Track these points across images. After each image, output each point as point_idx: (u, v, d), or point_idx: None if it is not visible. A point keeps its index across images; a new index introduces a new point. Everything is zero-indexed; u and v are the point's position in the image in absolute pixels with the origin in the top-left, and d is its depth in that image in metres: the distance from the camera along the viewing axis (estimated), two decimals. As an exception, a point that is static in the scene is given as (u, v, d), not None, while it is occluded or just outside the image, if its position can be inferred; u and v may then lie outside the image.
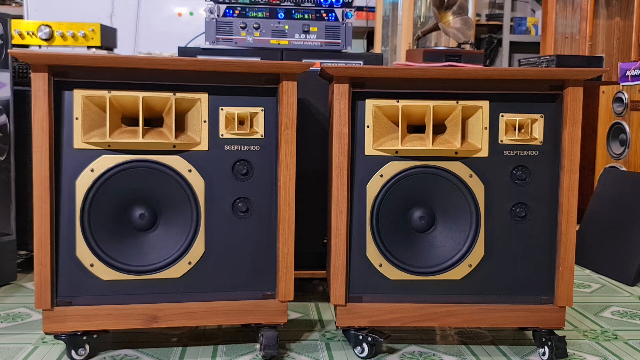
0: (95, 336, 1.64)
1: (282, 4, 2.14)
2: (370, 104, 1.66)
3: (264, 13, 2.13)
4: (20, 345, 1.72)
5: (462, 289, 1.69)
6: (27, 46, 2.76)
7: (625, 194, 2.66)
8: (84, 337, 1.62)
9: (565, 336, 1.69)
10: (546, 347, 1.68)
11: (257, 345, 1.74)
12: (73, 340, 1.61)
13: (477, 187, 1.68)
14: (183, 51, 2.11)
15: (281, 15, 2.13)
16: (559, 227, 1.68)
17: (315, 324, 1.93)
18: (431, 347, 1.76)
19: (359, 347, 1.69)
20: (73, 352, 1.61)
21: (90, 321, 1.59)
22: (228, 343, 1.76)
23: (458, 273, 1.68)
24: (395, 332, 1.82)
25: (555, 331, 1.71)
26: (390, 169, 1.67)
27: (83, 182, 1.58)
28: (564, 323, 1.70)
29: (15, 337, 1.79)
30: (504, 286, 1.70)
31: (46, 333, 1.60)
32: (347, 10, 2.16)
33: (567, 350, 1.69)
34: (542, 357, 1.70)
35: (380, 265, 1.68)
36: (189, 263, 1.63)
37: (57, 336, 1.61)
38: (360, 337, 1.68)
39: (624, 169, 2.83)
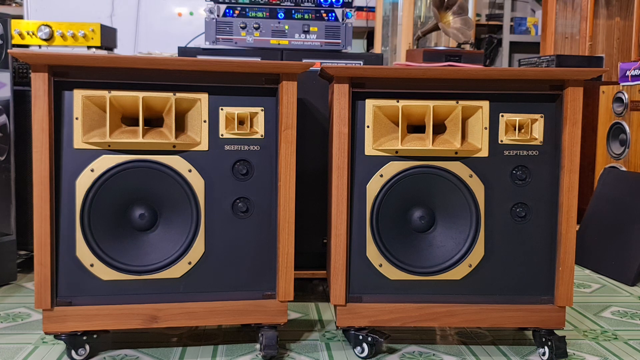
0: (95, 336, 1.64)
1: (282, 4, 2.14)
2: (370, 104, 1.66)
3: (264, 13, 2.13)
4: (20, 345, 1.72)
5: (462, 289, 1.69)
6: (27, 46, 2.76)
7: (625, 194, 2.66)
8: (84, 337, 1.62)
9: (565, 336, 1.69)
10: (546, 347, 1.68)
11: (257, 345, 1.74)
12: (73, 340, 1.61)
13: (477, 187, 1.68)
14: (183, 51, 2.11)
15: (281, 15, 2.13)
16: (559, 227, 1.68)
17: (315, 324, 1.93)
18: (431, 347, 1.76)
19: (359, 347, 1.69)
20: (73, 352, 1.61)
21: (90, 321, 1.59)
22: (228, 343, 1.76)
23: (458, 273, 1.68)
24: (395, 332, 1.82)
25: (555, 331, 1.71)
26: (390, 169, 1.67)
27: (83, 182, 1.58)
28: (564, 323, 1.70)
29: (15, 337, 1.79)
30: (504, 286, 1.70)
31: (46, 333, 1.60)
32: (347, 10, 2.16)
33: (567, 350, 1.69)
34: (542, 357, 1.70)
35: (380, 265, 1.68)
36: (189, 263, 1.63)
37: (57, 336, 1.61)
38: (360, 337, 1.68)
39: (624, 169, 2.83)
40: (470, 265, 1.68)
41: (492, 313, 1.69)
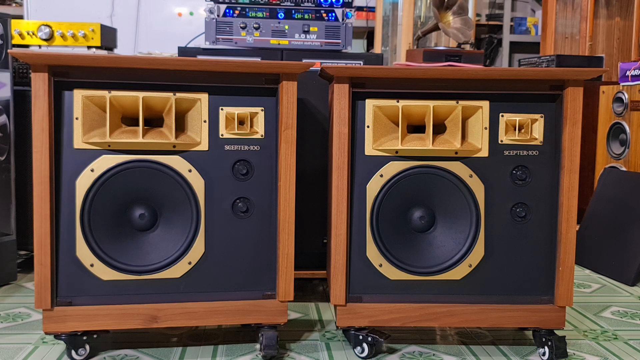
0: (95, 336, 1.64)
1: (282, 4, 2.14)
2: (370, 104, 1.66)
3: (264, 13, 2.13)
4: (20, 345, 1.72)
5: (462, 289, 1.69)
6: (27, 46, 2.76)
7: (625, 194, 2.66)
8: (84, 337, 1.62)
9: (565, 336, 1.69)
10: (546, 347, 1.68)
11: (257, 345, 1.74)
12: (73, 340, 1.61)
13: (477, 187, 1.68)
14: (183, 51, 2.11)
15: (281, 15, 2.13)
16: (559, 227, 1.68)
17: (315, 324, 1.93)
18: (431, 347, 1.76)
19: (359, 347, 1.69)
20: (73, 352, 1.61)
21: (90, 321, 1.59)
22: (228, 343, 1.76)
23: (458, 273, 1.68)
24: (395, 332, 1.82)
25: (555, 331, 1.71)
26: (390, 169, 1.67)
27: (83, 182, 1.58)
28: (564, 323, 1.70)
29: (15, 337, 1.79)
30: (504, 286, 1.70)
31: (46, 333, 1.60)
32: (347, 10, 2.16)
33: (567, 350, 1.69)
34: (542, 357, 1.70)
35: (380, 265, 1.68)
36: (189, 263, 1.63)
37: (57, 336, 1.61)
38: (360, 337, 1.68)
39: (624, 169, 2.83)
40: (470, 265, 1.68)
41: (492, 313, 1.69)
